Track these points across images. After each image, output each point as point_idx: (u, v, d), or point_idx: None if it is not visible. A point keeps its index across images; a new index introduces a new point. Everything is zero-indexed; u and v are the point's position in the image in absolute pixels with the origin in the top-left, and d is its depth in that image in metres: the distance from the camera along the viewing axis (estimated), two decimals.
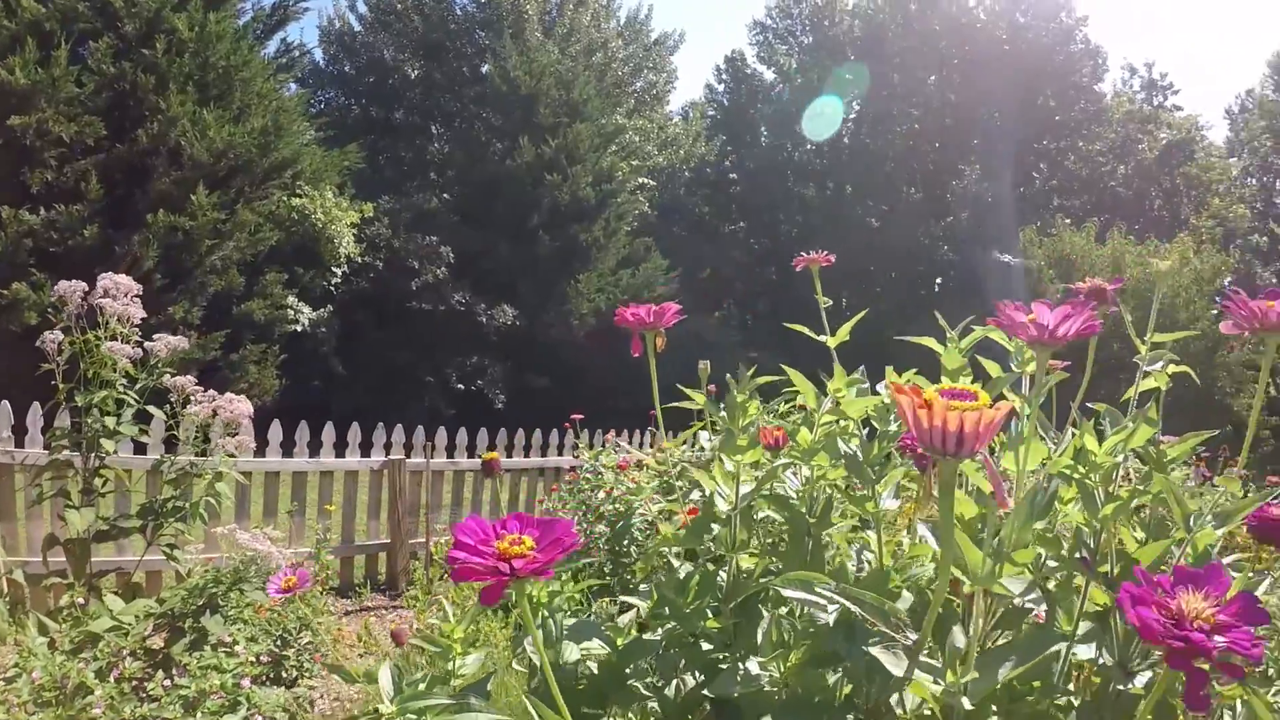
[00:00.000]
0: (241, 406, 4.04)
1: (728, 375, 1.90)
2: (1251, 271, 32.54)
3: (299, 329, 14.90)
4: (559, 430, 7.73)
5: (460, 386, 18.48)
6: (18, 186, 11.56)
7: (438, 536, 6.65)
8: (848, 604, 1.19)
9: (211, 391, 4.10)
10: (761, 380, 1.86)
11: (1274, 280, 31.86)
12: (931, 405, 0.86)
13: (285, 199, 14.29)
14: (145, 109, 12.51)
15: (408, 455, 6.75)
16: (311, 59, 24.92)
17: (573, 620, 1.72)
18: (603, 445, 6.56)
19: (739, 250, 29.97)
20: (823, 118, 28.62)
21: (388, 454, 6.66)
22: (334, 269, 15.58)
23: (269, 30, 16.01)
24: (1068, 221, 25.28)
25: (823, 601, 1.23)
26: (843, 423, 1.82)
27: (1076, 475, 1.44)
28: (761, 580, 1.66)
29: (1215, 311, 21.19)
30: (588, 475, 5.15)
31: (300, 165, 14.67)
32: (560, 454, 7.77)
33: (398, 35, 24.81)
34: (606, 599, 3.49)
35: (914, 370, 1.79)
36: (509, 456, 7.45)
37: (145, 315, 3.98)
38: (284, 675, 3.70)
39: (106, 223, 12.23)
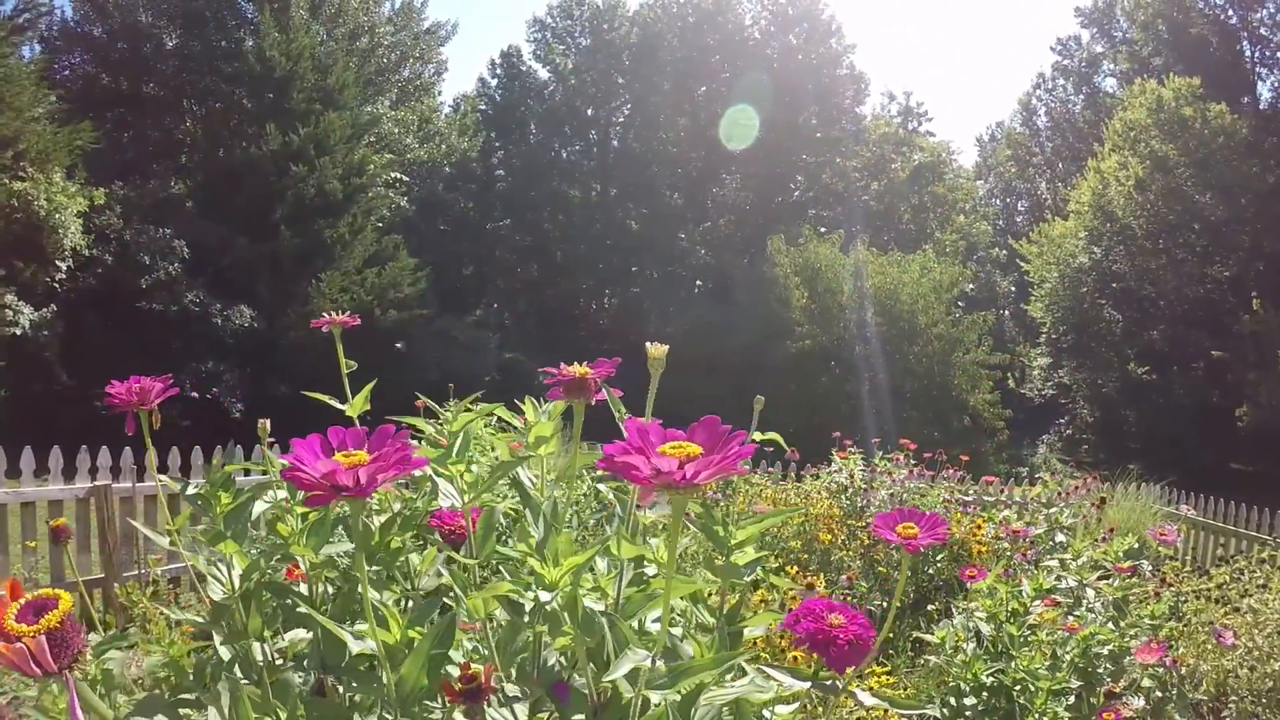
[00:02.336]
0: None
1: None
2: (992, 281, 35.62)
3: (19, 332, 13.36)
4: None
5: (195, 395, 16.92)
6: None
7: (152, 568, 6.18)
8: None
9: None
10: (234, 466, 1.76)
11: (1013, 290, 34.94)
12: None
13: (5, 182, 12.82)
14: None
15: (116, 479, 6.24)
16: (61, 18, 22.74)
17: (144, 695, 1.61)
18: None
19: (502, 248, 29.85)
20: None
21: (94, 479, 6.13)
22: (58, 263, 14.02)
23: None
24: (823, 230, 26.62)
25: None
26: None
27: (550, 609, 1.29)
28: None
29: (953, 316, 22.90)
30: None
31: (25, 144, 13.23)
32: None
33: None
34: None
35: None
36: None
37: None
38: None
39: None
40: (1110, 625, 2.39)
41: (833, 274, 22.81)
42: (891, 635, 4.12)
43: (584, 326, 30.01)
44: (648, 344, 1.31)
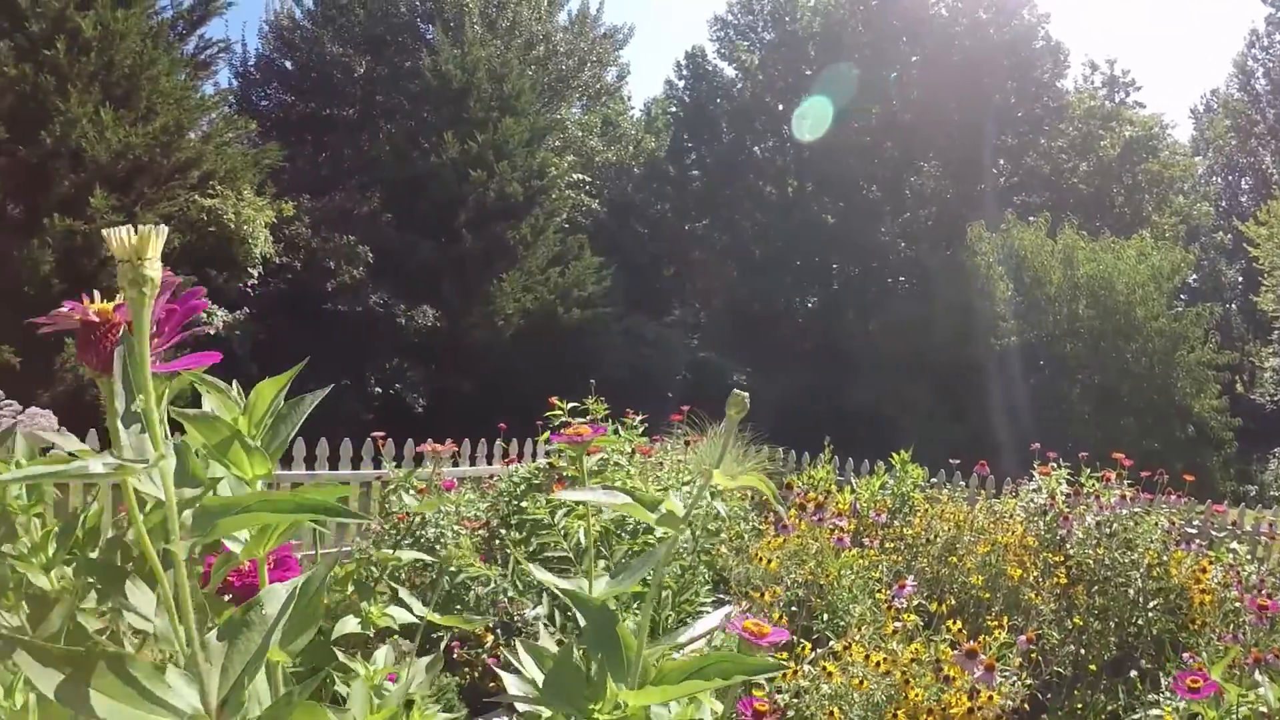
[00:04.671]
0: (44, 420, 3.48)
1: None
2: (1216, 269, 32.32)
3: (214, 332, 14.34)
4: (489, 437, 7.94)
5: (379, 390, 17.84)
6: None
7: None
8: None
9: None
10: None
11: (1240, 279, 31.62)
12: None
13: (195, 199, 13.71)
14: (48, 111, 12.02)
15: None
16: (254, 53, 24.69)
17: None
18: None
19: (699, 248, 29.59)
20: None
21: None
22: (250, 270, 14.91)
23: (191, 26, 15.56)
24: (1031, 218, 24.72)
25: None
26: None
27: None
28: None
29: (1175, 309, 20.69)
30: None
31: (208, 165, 14.25)
32: (490, 463, 7.86)
33: (340, 29, 24.22)
34: None
35: None
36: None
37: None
38: None
39: (7, 229, 11.91)
40: None
41: (1040, 262, 20.81)
42: (1080, 707, 3.33)
43: (783, 325, 29.32)
44: None
